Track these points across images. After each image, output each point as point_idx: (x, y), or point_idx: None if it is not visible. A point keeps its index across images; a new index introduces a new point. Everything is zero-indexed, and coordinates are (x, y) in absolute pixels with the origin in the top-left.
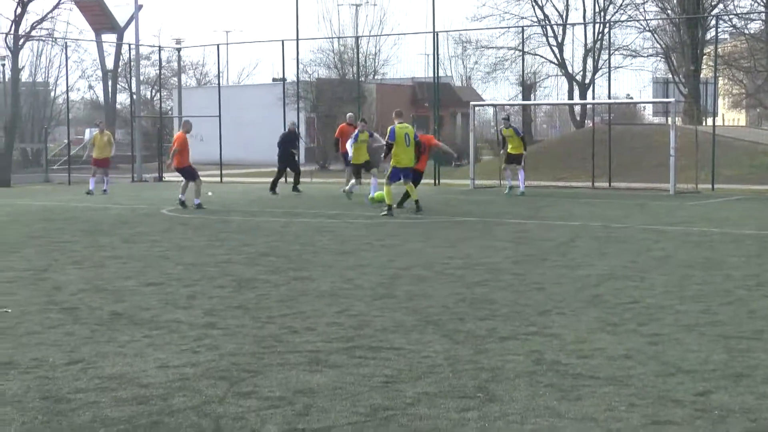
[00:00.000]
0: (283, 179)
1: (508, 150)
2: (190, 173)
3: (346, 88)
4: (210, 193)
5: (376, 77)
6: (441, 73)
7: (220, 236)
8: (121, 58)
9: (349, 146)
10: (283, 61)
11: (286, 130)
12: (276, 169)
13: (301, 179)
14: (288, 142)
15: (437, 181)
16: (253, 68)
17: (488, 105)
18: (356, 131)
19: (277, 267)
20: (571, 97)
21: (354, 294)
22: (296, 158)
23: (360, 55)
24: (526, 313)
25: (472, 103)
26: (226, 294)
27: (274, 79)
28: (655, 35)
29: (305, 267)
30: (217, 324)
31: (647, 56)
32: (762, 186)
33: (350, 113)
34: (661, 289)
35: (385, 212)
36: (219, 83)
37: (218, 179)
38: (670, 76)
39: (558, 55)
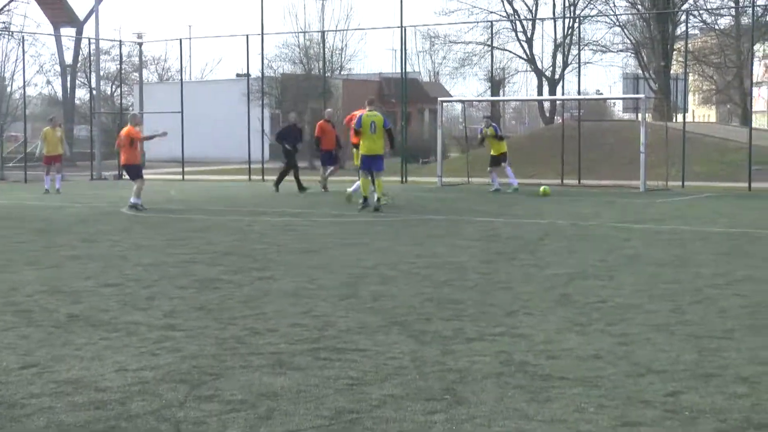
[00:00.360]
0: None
1: (491, 153)
2: (136, 172)
3: (312, 83)
4: (172, 192)
5: (342, 73)
6: (408, 69)
7: (181, 235)
8: (81, 52)
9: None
10: (248, 56)
11: (286, 123)
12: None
13: (267, 177)
14: (284, 137)
15: (404, 179)
16: (216, 63)
17: (456, 101)
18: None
19: (239, 267)
20: (540, 92)
21: (318, 294)
22: (294, 155)
23: (326, 50)
24: (494, 313)
25: (439, 99)
26: (187, 295)
27: (238, 75)
28: (625, 30)
29: (269, 266)
30: (177, 326)
31: (617, 52)
32: (732, 183)
33: (329, 109)
34: (630, 288)
35: (362, 205)
36: (182, 78)
37: (180, 177)
38: (641, 71)
39: (527, 51)
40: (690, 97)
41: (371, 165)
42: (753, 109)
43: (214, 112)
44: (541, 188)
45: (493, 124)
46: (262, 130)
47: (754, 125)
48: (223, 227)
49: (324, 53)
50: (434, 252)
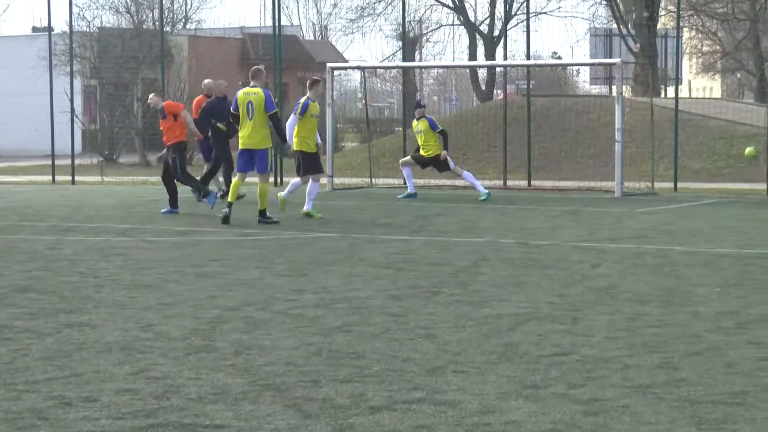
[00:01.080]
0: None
1: (422, 153)
2: None
3: (144, 42)
4: None
5: (188, 27)
6: (284, 21)
7: None
8: None
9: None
10: (49, 2)
11: (213, 96)
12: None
13: (80, 178)
14: (211, 113)
15: (279, 180)
16: (2, 11)
17: (353, 68)
18: (304, 100)
19: (41, 308)
20: (473, 56)
21: (156, 347)
22: (226, 141)
23: None
24: (410, 371)
25: (329, 64)
26: None
27: (34, 29)
28: None
29: (84, 308)
30: None
31: None
32: (744, 184)
33: (208, 80)
34: (602, 335)
35: (224, 215)
36: None
37: None
38: (614, 26)
39: None
40: (685, 62)
41: (249, 165)
42: None
43: (1, 82)
44: (748, 149)
45: (428, 116)
46: (72, 110)
47: None
48: (14, 251)
49: None
50: (324, 285)
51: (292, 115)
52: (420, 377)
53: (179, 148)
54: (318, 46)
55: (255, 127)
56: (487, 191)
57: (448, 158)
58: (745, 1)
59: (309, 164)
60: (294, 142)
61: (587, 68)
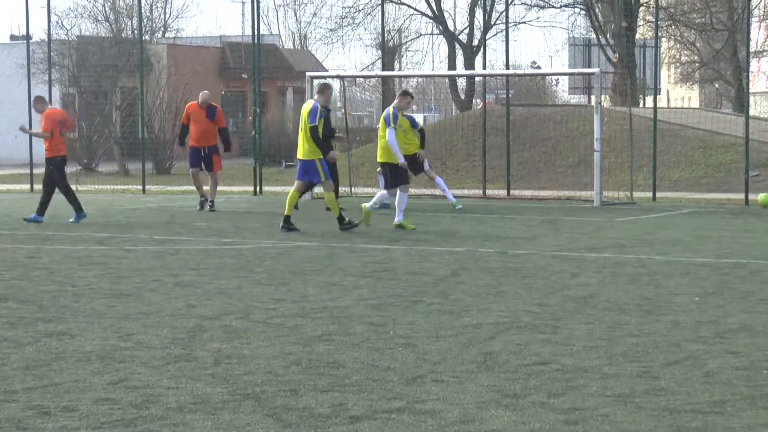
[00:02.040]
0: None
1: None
2: None
3: (123, 50)
4: None
5: (167, 35)
6: (263, 31)
7: None
8: None
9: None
10: (27, 9)
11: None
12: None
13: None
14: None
15: (258, 189)
16: None
17: (332, 76)
18: (392, 110)
19: (19, 317)
20: (452, 65)
21: (135, 356)
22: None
23: (142, 2)
24: (389, 380)
25: (308, 73)
26: None
27: (12, 37)
28: None
29: (62, 317)
30: None
31: (560, 8)
32: (722, 194)
33: (206, 92)
34: (581, 344)
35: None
36: None
37: None
38: (593, 36)
39: (434, 5)
40: (663, 72)
41: (301, 174)
42: (750, 90)
43: None
44: (761, 196)
45: (407, 114)
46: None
47: (752, 112)
48: None
49: (140, 7)
50: (303, 294)
51: (389, 130)
52: (400, 386)
53: (53, 162)
54: (297, 55)
55: (303, 139)
56: (455, 200)
57: (425, 159)
58: (723, 11)
59: (395, 176)
60: (378, 153)
61: (566, 78)
